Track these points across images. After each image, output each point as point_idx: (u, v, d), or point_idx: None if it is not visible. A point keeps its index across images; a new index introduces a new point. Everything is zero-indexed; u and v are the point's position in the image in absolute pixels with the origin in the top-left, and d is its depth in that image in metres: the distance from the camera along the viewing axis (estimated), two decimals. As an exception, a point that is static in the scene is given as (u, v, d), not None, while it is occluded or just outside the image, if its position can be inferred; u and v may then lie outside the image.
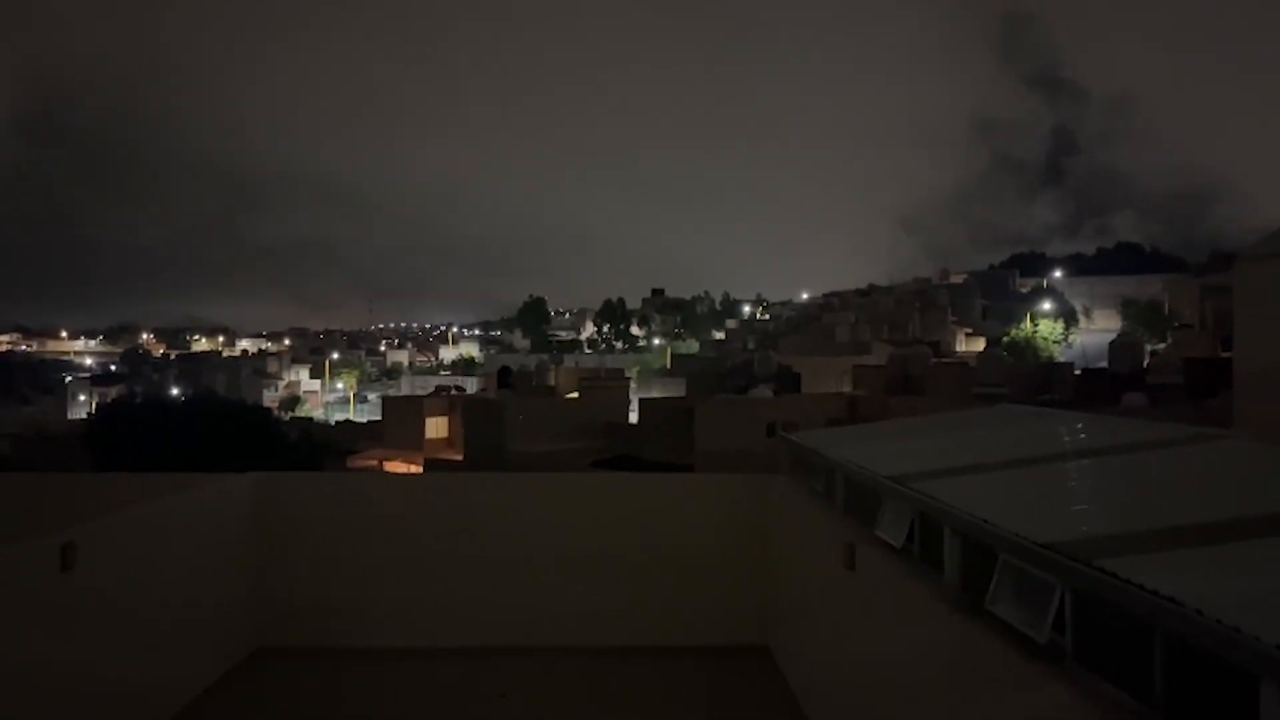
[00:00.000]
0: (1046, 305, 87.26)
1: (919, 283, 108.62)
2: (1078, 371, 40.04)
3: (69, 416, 76.46)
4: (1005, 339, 73.25)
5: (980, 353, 56.93)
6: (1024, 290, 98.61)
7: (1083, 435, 5.43)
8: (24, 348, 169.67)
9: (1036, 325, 78.50)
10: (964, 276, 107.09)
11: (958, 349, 71.36)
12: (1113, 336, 55.92)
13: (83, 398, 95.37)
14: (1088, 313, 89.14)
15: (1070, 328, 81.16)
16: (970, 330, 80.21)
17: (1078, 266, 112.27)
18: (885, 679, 4.15)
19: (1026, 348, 70.49)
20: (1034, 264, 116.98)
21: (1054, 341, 75.41)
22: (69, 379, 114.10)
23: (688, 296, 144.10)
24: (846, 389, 39.43)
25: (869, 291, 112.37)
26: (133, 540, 5.24)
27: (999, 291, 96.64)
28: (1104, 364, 43.46)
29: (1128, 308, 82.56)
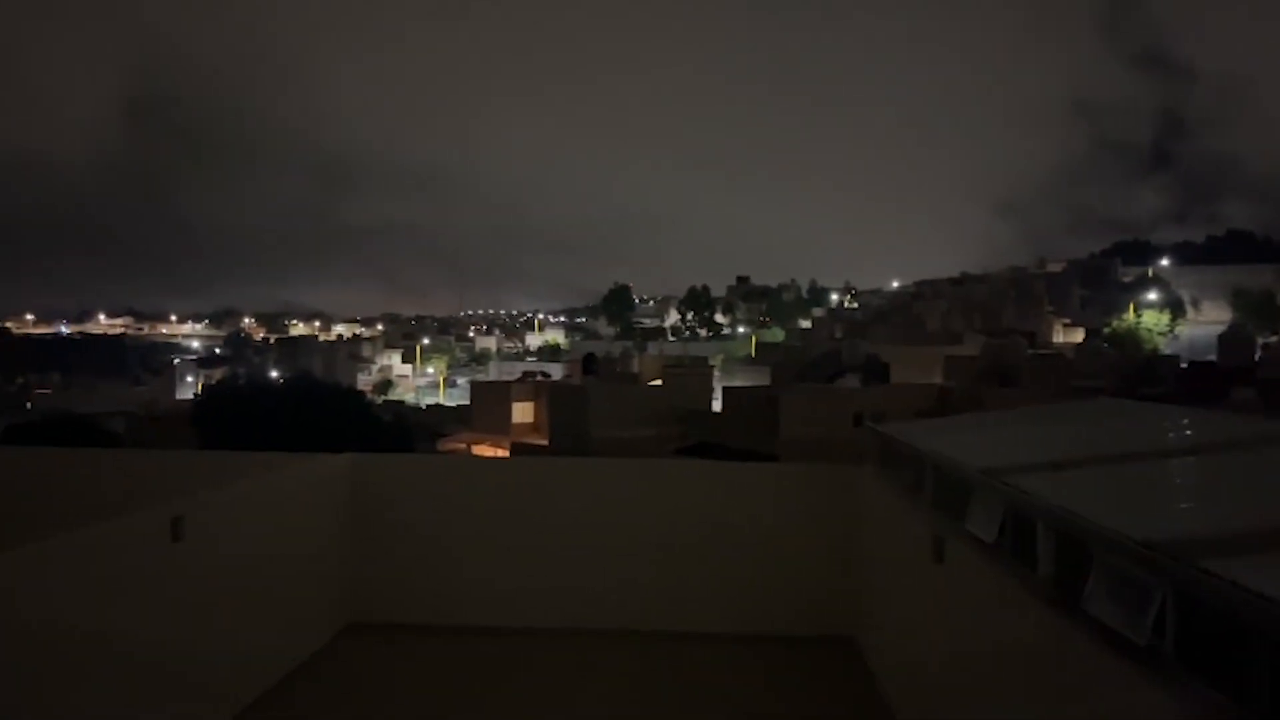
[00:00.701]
0: (1151, 295, 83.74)
1: (1014, 271, 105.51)
2: (1183, 365, 38.33)
3: (177, 397, 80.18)
4: (1106, 330, 70.64)
5: (1079, 344, 55.10)
6: (1127, 280, 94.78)
7: (1188, 431, 5.22)
8: (136, 330, 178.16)
9: (1140, 316, 75.43)
10: (1063, 265, 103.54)
11: (1055, 340, 69.16)
12: (1222, 329, 53.36)
13: (189, 379, 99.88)
14: (1195, 303, 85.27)
15: (1176, 319, 77.75)
16: (1068, 321, 77.59)
17: (1185, 255, 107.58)
18: (973, 674, 4.07)
19: (1128, 340, 67.79)
20: (1138, 252, 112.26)
21: (1159, 333, 72.34)
22: (177, 361, 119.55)
23: (774, 284, 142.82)
24: (937, 380, 38.59)
25: (962, 280, 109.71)
26: (236, 515, 5.47)
27: (1100, 281, 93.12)
28: (1212, 357, 41.64)
29: (1239, 298, 78.77)
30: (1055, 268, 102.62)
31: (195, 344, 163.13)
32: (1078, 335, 69.59)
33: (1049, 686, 3.23)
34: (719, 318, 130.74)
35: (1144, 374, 33.99)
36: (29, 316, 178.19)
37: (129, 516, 4.50)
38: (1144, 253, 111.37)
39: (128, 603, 4.35)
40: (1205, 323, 76.51)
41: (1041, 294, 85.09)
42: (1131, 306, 78.73)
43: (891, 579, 5.75)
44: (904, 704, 5.24)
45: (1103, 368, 35.22)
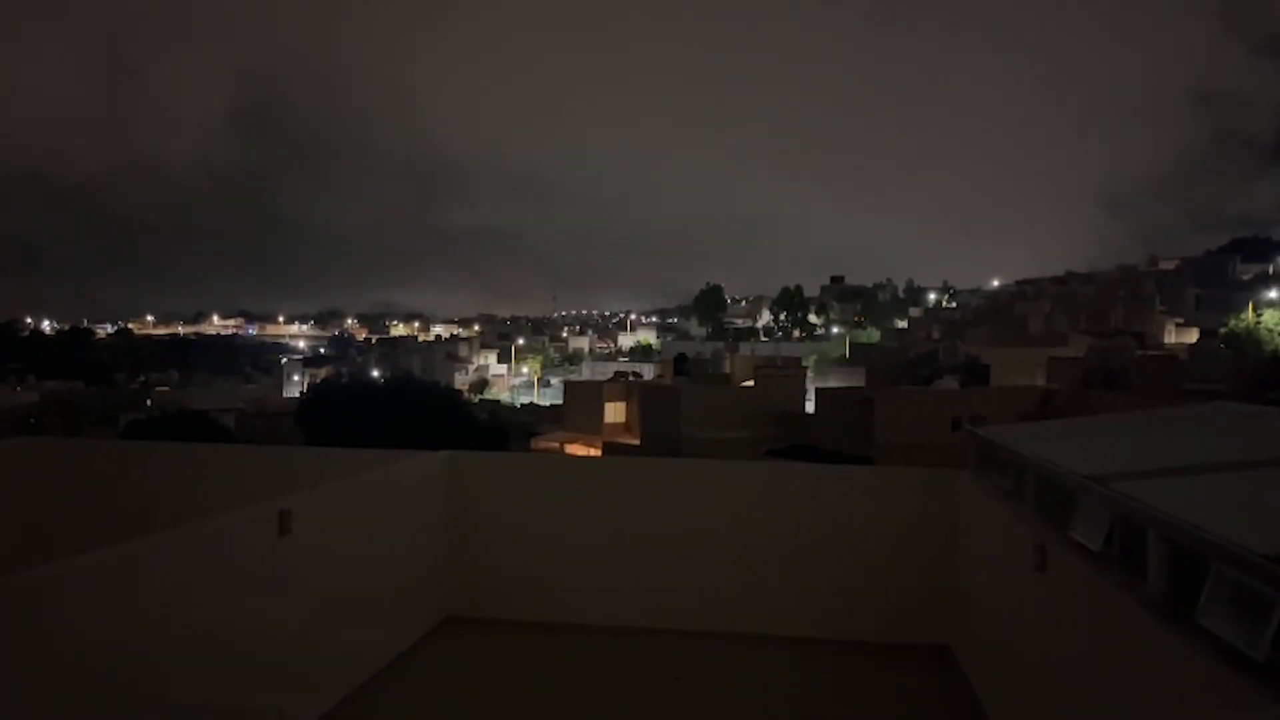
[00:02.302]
0: (1273, 294, 79.28)
1: (1123, 270, 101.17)
2: (1310, 367, 36.19)
3: (284, 395, 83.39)
4: (1223, 330, 67.13)
5: (1193, 345, 52.56)
6: (1246, 277, 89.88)
7: (1314, 437, 4.93)
8: (247, 331, 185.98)
9: (1260, 315, 71.47)
10: (1176, 263, 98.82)
11: (1166, 341, 66.10)
12: (1353, 329, 50.15)
13: (296, 378, 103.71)
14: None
15: (1301, 318, 73.44)
16: (1181, 321, 73.98)
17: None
18: (1076, 688, 3.92)
19: (1248, 340, 64.23)
20: (1259, 248, 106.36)
21: (1280, 334, 68.46)
22: (284, 360, 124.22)
23: (869, 284, 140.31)
24: (1040, 382, 37.32)
25: (1066, 279, 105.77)
26: (340, 510, 5.66)
27: (1216, 279, 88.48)
28: (1342, 359, 39.13)
29: (1371, 296, 73.88)
30: (1168, 266, 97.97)
31: (301, 344, 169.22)
32: (1191, 336, 66.37)
33: (1159, 702, 3.10)
34: (812, 318, 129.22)
35: (1267, 376, 32.20)
36: (149, 318, 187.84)
37: (240, 510, 4.70)
38: (1265, 249, 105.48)
39: (238, 592, 4.55)
40: (1334, 322, 72.03)
41: (1152, 293, 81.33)
42: (1251, 305, 74.62)
43: (991, 587, 5.59)
44: (1002, 716, 5.09)
45: (1219, 370, 33.52)
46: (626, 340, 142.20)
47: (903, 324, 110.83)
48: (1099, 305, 78.54)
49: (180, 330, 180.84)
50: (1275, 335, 67.11)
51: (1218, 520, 3.05)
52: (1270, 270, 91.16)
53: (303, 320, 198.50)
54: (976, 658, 5.85)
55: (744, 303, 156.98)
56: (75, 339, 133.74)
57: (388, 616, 6.27)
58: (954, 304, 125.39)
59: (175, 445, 9.98)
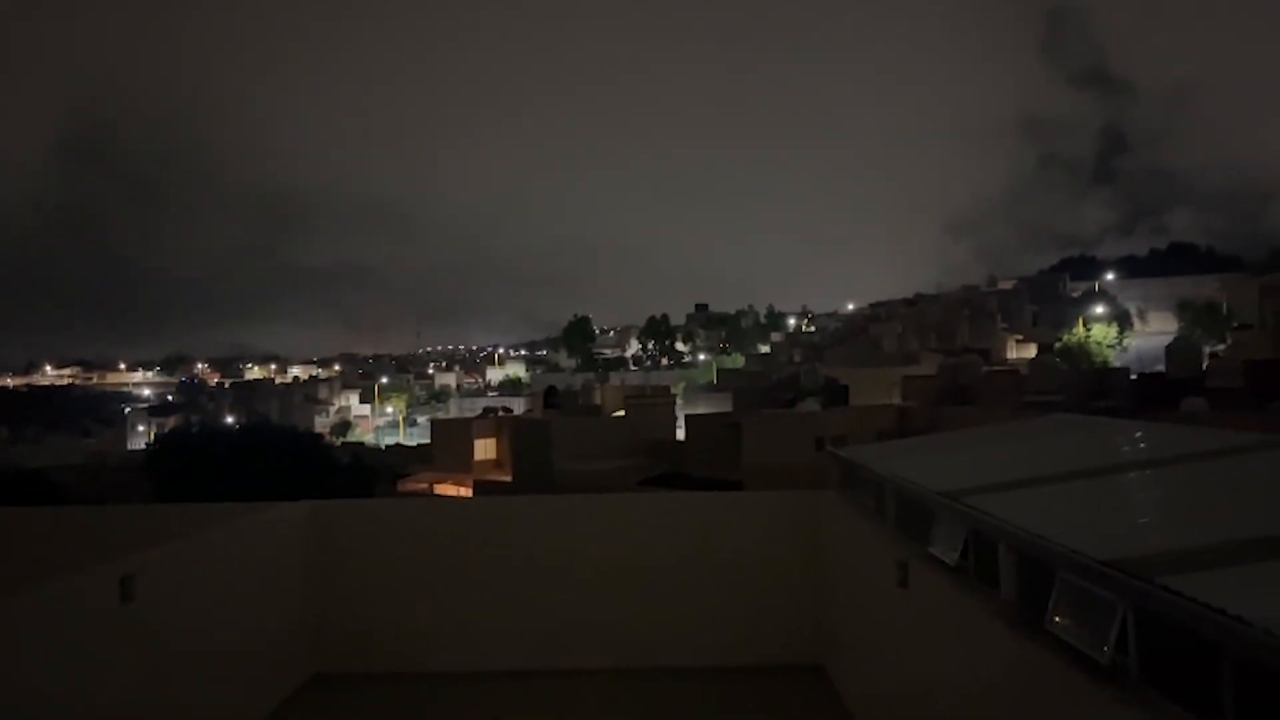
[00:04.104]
0: (1099, 309, 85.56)
1: (967, 290, 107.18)
2: (1134, 377, 39.04)
3: (129, 447, 78.38)
4: (1057, 345, 71.87)
5: (1032, 360, 55.93)
6: (1075, 294, 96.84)
7: (1142, 444, 5.30)
8: (85, 380, 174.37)
9: (1089, 330, 76.92)
10: (1013, 282, 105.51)
11: (1009, 356, 70.21)
12: (1169, 340, 54.55)
13: (141, 428, 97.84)
14: (1142, 316, 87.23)
15: (1124, 332, 79.42)
16: (1021, 337, 78.84)
17: (1131, 268, 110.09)
18: (942, 699, 4.06)
19: (1079, 353, 69.01)
20: (1085, 267, 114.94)
21: (1108, 346, 73.77)
22: (128, 410, 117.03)
23: (732, 310, 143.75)
24: (896, 400, 38.95)
25: (916, 300, 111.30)
26: (191, 569, 5.32)
27: (1050, 296, 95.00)
28: (1161, 368, 42.45)
29: (1184, 310, 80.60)
30: (1006, 285, 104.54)
31: (147, 392, 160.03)
32: (1031, 351, 70.64)
33: (1017, 709, 3.23)
34: (679, 346, 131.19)
35: (1096, 387, 34.58)
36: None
37: (73, 577, 4.34)
38: (1091, 267, 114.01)
39: (76, 669, 4.20)
40: (1153, 334, 78.23)
41: (994, 311, 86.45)
42: (1081, 320, 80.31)
43: (858, 605, 5.75)
44: (876, 731, 5.21)
45: (1056, 382, 35.74)
46: (495, 374, 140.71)
47: (765, 349, 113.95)
48: (946, 324, 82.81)
49: (10, 382, 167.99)
50: (1103, 348, 72.38)
51: (1061, 529, 3.22)
52: (1095, 287, 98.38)
53: (147, 367, 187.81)
54: (848, 675, 5.99)
55: (612, 333, 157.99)
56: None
57: (250, 679, 5.92)
58: (813, 328, 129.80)
59: (2, 509, 9.17)
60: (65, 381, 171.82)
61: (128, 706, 4.53)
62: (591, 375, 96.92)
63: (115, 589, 4.46)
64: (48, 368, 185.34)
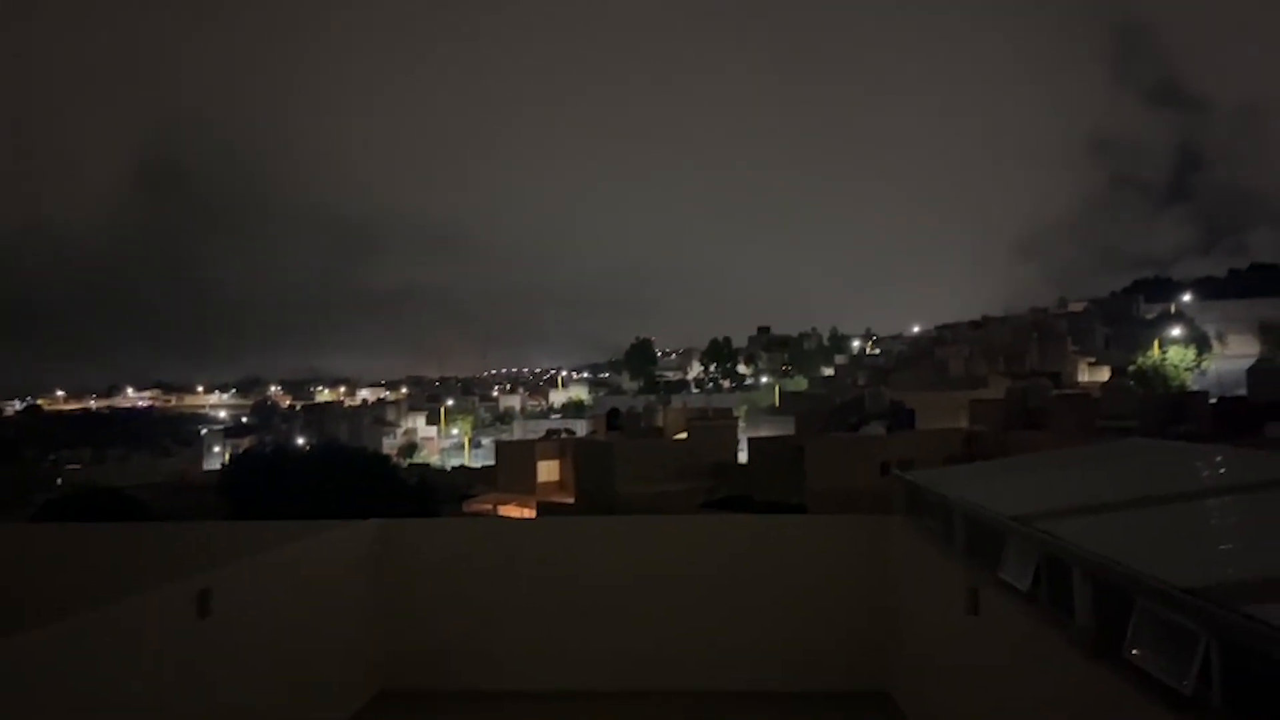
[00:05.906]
0: (1175, 331, 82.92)
1: (1035, 313, 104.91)
2: (1213, 401, 37.73)
3: (205, 467, 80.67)
4: (1131, 368, 69.79)
5: (1105, 383, 54.34)
6: (1150, 316, 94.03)
7: (1223, 470, 5.12)
8: (164, 402, 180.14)
9: (1165, 352, 74.59)
10: (1084, 304, 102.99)
11: (1080, 380, 68.39)
12: (1250, 363, 52.62)
13: (217, 449, 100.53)
14: (1221, 338, 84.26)
15: (1203, 354, 76.79)
16: (1093, 360, 76.77)
17: (1208, 289, 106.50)
18: (1016, 730, 3.96)
19: (1155, 377, 66.95)
20: (1160, 288, 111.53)
21: (1185, 370, 71.40)
22: (204, 431, 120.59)
23: (795, 333, 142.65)
24: (963, 424, 38.19)
25: (983, 323, 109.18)
26: (264, 586, 5.46)
27: (1122, 318, 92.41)
28: (1242, 392, 41.00)
29: (1266, 332, 77.79)
30: (1077, 307, 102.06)
31: (222, 414, 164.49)
32: (1103, 374, 68.71)
33: (1095, 740, 3.14)
34: (741, 368, 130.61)
35: (1174, 412, 33.46)
36: (59, 393, 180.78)
37: (153, 592, 4.48)
38: (1166, 289, 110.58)
39: (155, 681, 4.32)
40: (1233, 357, 75.42)
41: (1064, 333, 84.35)
42: (1156, 343, 77.93)
43: (926, 631, 5.64)
44: (946, 761, 5.10)
45: (1131, 407, 34.69)
46: (558, 397, 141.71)
47: (829, 371, 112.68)
48: (1015, 347, 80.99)
49: (93, 404, 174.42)
50: (1180, 371, 70.09)
51: (1139, 555, 3.13)
52: (1171, 309, 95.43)
53: (223, 389, 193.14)
54: (916, 703, 5.87)
55: (674, 355, 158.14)
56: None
57: (319, 694, 6.03)
58: (877, 350, 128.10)
59: (88, 526, 9.54)
60: (146, 404, 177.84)
61: (200, 718, 4.64)
62: (653, 397, 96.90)
63: (193, 604, 4.60)
64: (129, 390, 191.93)
